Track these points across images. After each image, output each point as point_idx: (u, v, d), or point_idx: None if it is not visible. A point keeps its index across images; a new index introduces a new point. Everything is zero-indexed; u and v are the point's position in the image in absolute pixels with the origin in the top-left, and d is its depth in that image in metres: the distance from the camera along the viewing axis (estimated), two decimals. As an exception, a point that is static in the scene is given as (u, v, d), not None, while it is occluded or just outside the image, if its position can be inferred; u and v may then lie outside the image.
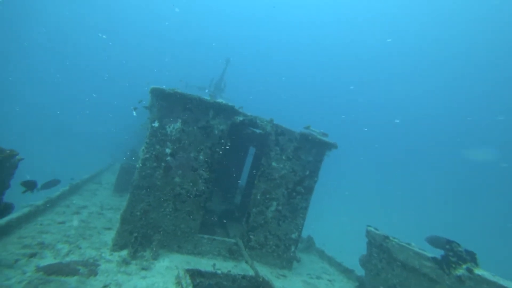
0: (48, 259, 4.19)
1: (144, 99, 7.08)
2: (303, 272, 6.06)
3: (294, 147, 5.93)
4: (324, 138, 5.91)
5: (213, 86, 22.23)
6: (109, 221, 6.68)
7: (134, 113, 6.36)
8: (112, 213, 7.44)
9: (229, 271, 4.58)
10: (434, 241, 4.99)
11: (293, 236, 5.93)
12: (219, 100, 5.29)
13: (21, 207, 5.88)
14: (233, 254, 5.59)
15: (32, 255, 4.19)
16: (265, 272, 5.38)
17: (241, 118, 5.48)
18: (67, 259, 4.32)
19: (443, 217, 48.83)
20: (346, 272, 6.67)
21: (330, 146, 5.98)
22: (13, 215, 4.99)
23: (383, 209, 47.22)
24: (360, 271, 6.33)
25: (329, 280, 5.96)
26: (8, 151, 3.90)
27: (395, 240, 5.23)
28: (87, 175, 10.63)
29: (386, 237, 5.31)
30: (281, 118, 6.22)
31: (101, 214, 7.10)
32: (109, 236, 5.57)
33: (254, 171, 9.02)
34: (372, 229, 5.79)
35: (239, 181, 10.66)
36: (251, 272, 4.69)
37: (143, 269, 4.40)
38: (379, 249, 5.41)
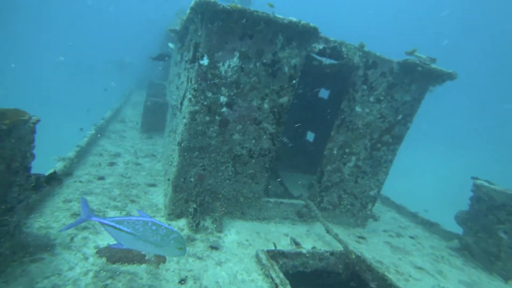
0: (105, 235, 3.51)
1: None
2: (378, 228, 5.34)
3: (388, 83, 4.28)
4: (435, 67, 4.14)
5: None
6: (149, 173, 5.95)
7: (171, 45, 4.63)
8: (149, 162, 6.71)
9: (314, 247, 3.80)
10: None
11: (372, 193, 4.95)
12: (291, 18, 3.46)
13: (52, 160, 5.14)
14: (302, 216, 4.78)
15: (85, 228, 3.55)
16: (340, 234, 4.65)
17: (321, 47, 3.73)
18: (126, 236, 3.62)
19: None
20: (426, 225, 5.87)
21: (444, 77, 4.20)
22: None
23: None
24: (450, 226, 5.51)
25: (411, 237, 5.24)
26: (13, 112, 2.64)
27: None
28: (109, 112, 9.63)
29: None
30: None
31: (139, 165, 6.33)
32: (157, 196, 4.91)
33: (296, 101, 7.57)
34: (484, 183, 4.61)
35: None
36: (336, 244, 3.90)
37: (212, 248, 3.67)
38: (500, 209, 4.35)
